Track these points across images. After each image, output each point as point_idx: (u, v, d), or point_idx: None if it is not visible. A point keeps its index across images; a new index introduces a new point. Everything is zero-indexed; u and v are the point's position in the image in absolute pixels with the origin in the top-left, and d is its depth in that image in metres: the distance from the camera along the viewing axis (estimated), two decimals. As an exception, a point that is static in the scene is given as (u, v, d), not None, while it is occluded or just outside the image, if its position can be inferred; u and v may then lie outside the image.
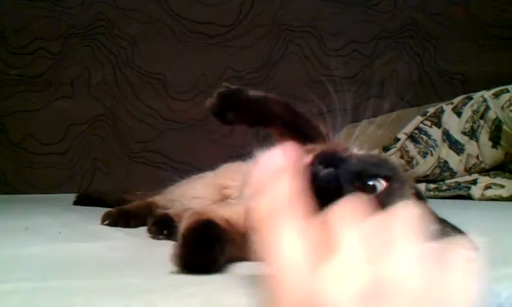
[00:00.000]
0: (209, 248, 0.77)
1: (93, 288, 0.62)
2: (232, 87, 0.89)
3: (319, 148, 0.76)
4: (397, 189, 0.74)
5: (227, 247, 0.80)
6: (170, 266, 0.75)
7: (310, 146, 0.79)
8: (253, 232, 0.86)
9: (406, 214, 0.40)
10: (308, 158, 0.74)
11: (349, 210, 0.41)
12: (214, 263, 0.77)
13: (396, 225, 0.39)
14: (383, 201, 0.71)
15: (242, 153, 1.38)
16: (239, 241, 0.86)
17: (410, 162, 2.21)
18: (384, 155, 0.87)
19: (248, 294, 0.58)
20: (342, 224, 0.39)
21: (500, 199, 1.96)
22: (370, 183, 0.72)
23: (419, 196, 0.79)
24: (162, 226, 1.15)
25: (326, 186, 0.71)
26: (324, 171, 0.72)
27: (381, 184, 0.73)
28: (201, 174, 1.50)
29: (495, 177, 2.11)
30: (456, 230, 0.75)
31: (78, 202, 1.83)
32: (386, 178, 0.73)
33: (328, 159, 0.74)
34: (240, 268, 0.77)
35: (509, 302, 0.59)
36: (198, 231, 0.79)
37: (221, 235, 0.81)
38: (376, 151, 2.21)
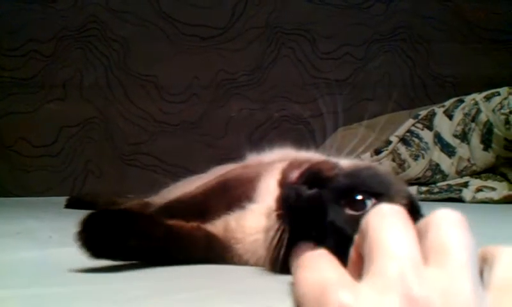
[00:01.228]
0: (110, 231, 0.76)
1: (84, 295, 0.61)
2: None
3: (306, 164, 0.75)
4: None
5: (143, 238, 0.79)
6: (161, 270, 0.76)
7: (299, 160, 0.78)
8: (236, 242, 0.87)
9: (450, 220, 0.36)
10: (294, 175, 0.73)
11: (384, 216, 0.37)
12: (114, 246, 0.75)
13: (440, 233, 0.35)
14: None
15: (235, 155, 1.38)
16: (221, 249, 0.86)
17: (402, 164, 2.22)
18: (374, 166, 0.86)
19: (240, 301, 0.58)
20: (378, 234, 0.35)
21: (491, 201, 1.97)
22: (359, 197, 0.71)
23: (414, 209, 0.76)
24: None
25: (308, 207, 0.71)
26: (307, 192, 0.71)
27: (371, 200, 0.71)
28: (196, 176, 1.50)
29: (486, 180, 2.12)
30: None
31: (69, 205, 1.83)
32: (375, 195, 0.72)
33: (312, 179, 0.73)
34: (232, 275, 0.77)
35: None
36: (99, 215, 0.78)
37: (135, 222, 0.80)
38: (367, 154, 2.22)
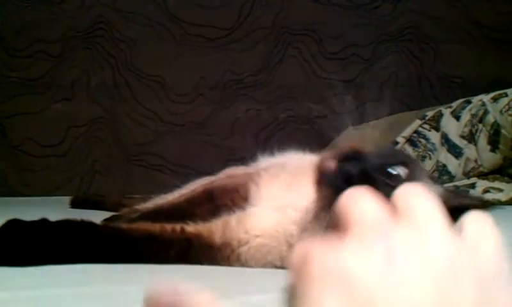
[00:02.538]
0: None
1: (90, 296, 0.62)
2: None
3: (336, 152, 0.76)
4: (417, 172, 0.76)
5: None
6: (160, 274, 0.76)
7: (328, 153, 0.79)
8: (239, 244, 0.87)
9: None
10: (332, 164, 0.74)
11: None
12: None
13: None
14: None
15: (241, 156, 1.38)
16: (214, 250, 0.86)
17: (409, 165, 2.21)
18: (391, 145, 0.90)
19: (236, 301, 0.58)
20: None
21: (499, 203, 1.96)
22: (395, 172, 0.73)
23: (433, 179, 0.80)
24: None
25: (362, 182, 0.72)
26: (355, 168, 0.72)
27: (404, 171, 0.74)
28: (207, 178, 1.50)
29: (493, 181, 2.11)
30: (476, 200, 0.77)
31: (74, 205, 1.83)
32: (405, 164, 0.75)
33: (352, 157, 0.74)
34: (229, 275, 0.77)
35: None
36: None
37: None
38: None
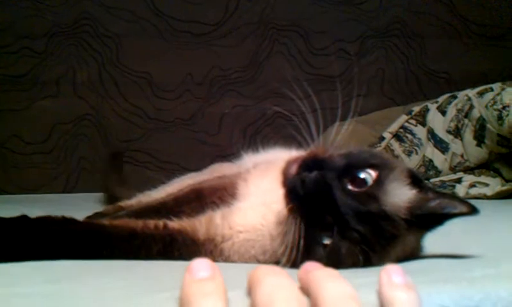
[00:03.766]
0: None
1: (68, 293, 0.61)
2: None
3: (299, 157, 0.78)
4: (388, 175, 0.75)
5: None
6: (145, 270, 0.76)
7: (294, 156, 0.80)
8: (222, 239, 0.88)
9: None
10: (293, 168, 0.76)
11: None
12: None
13: None
14: (378, 192, 0.73)
15: (228, 153, 1.38)
16: (198, 246, 0.86)
17: (395, 160, 2.22)
18: (365, 147, 0.91)
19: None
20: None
21: (485, 197, 1.98)
22: (361, 176, 0.74)
23: (415, 178, 0.79)
24: None
25: (315, 189, 0.72)
26: (309, 176, 0.73)
27: (371, 175, 0.74)
28: (193, 174, 1.50)
29: (479, 176, 2.12)
30: (456, 199, 0.77)
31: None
32: (373, 167, 0.75)
33: (310, 164, 0.75)
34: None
35: (482, 305, 0.59)
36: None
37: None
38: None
